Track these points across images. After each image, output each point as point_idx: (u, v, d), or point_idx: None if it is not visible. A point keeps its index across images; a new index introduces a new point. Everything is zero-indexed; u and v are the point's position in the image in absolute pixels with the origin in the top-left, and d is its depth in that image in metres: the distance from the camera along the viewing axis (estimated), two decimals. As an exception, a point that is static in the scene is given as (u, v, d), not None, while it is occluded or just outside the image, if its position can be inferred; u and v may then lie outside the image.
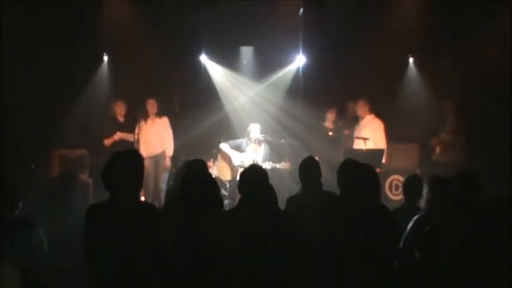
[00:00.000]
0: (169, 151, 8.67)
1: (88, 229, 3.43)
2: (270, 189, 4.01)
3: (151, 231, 3.36)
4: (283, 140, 8.48)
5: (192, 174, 3.46)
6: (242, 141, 8.50)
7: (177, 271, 2.99)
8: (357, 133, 8.62)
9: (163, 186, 8.55)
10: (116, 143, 8.36)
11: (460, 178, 4.00)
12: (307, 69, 9.89)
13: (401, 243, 3.95)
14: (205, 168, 4.94)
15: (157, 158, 8.60)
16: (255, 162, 8.15)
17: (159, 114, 8.70)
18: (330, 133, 8.85)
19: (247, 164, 7.88)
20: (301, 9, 9.45)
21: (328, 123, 8.91)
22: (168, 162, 8.63)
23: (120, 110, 8.64)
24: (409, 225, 4.00)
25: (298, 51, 9.89)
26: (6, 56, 8.26)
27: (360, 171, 4.08)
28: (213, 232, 2.91)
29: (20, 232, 3.94)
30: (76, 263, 4.58)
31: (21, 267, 3.61)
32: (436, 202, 4.15)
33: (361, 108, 8.67)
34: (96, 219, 3.41)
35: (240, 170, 8.03)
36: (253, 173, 4.12)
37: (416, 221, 4.02)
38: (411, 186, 4.80)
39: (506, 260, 2.71)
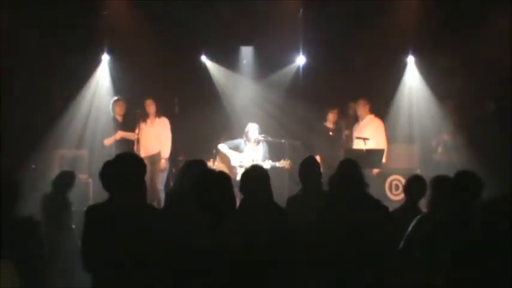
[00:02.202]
0: (165, 152, 8.64)
1: (87, 229, 3.43)
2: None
3: (151, 232, 3.35)
4: (283, 140, 8.47)
5: (208, 173, 3.45)
6: (240, 141, 8.49)
7: (178, 271, 2.97)
8: (357, 133, 8.62)
9: (160, 186, 8.54)
10: (116, 142, 8.36)
11: (461, 177, 3.99)
12: (307, 69, 9.88)
13: (403, 243, 3.95)
14: (205, 168, 4.93)
15: (154, 159, 8.58)
16: (254, 161, 8.16)
17: (159, 114, 8.70)
18: (330, 133, 8.84)
19: (246, 164, 7.88)
20: (301, 9, 9.44)
21: (329, 123, 8.89)
22: (163, 163, 8.60)
23: (119, 110, 8.63)
24: (411, 225, 4.00)
25: (298, 51, 9.90)
26: (6, 56, 8.26)
27: (352, 169, 4.09)
28: (218, 232, 2.90)
29: (22, 232, 3.93)
30: (75, 263, 4.59)
31: (23, 267, 3.61)
32: (439, 202, 4.14)
33: (362, 108, 8.67)
34: (95, 219, 3.40)
35: (239, 170, 8.06)
36: (255, 173, 4.14)
37: (418, 220, 4.02)
38: (413, 187, 4.78)
39: (507, 260, 2.70)
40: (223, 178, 3.09)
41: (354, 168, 4.14)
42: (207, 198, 2.95)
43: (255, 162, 8.16)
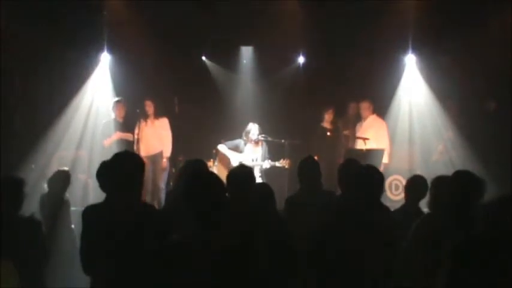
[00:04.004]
0: (167, 152, 8.67)
1: (84, 231, 3.42)
2: (263, 187, 4.01)
3: (150, 231, 3.34)
4: (283, 140, 8.48)
5: (197, 174, 3.46)
6: (240, 141, 8.51)
7: (177, 271, 2.97)
8: (359, 133, 8.62)
9: (162, 185, 8.57)
10: (116, 143, 8.37)
11: (460, 177, 3.98)
12: (307, 69, 9.88)
13: (405, 244, 3.94)
14: (205, 169, 4.93)
15: (155, 158, 8.61)
16: (254, 161, 8.18)
17: (158, 115, 8.70)
18: (328, 133, 8.84)
19: (246, 164, 7.88)
20: (301, 10, 9.42)
21: (326, 124, 8.89)
22: (165, 162, 8.64)
23: (120, 111, 8.63)
24: (414, 226, 3.99)
25: (298, 51, 9.89)
26: (6, 56, 8.26)
27: (362, 170, 4.08)
28: (207, 232, 2.90)
29: (24, 231, 3.93)
30: (74, 263, 4.58)
31: (24, 267, 3.61)
32: (440, 202, 4.14)
33: (366, 109, 8.68)
34: (93, 219, 3.39)
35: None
36: (238, 173, 4.16)
37: (420, 221, 4.01)
38: (413, 187, 4.78)
39: (508, 261, 2.70)
40: (211, 179, 3.08)
41: (356, 167, 4.14)
42: (195, 199, 2.95)
43: (255, 162, 8.20)
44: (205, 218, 2.90)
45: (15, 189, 4.03)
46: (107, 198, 3.45)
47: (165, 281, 2.87)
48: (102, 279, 3.34)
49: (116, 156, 3.53)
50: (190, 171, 4.23)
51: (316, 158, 5.27)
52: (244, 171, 4.29)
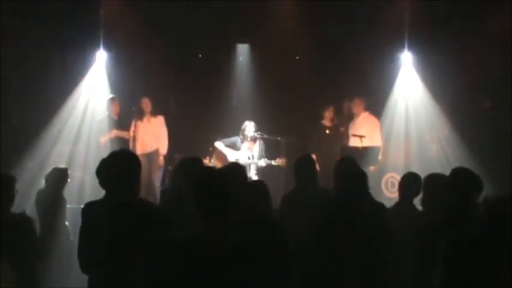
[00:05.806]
0: (163, 149, 8.69)
1: (84, 227, 3.41)
2: (258, 186, 4.00)
3: (148, 229, 3.34)
4: (279, 138, 8.48)
5: (203, 171, 3.45)
6: (237, 139, 8.51)
7: (176, 269, 2.96)
8: (352, 131, 8.62)
9: (157, 183, 8.56)
10: (111, 140, 8.38)
11: (458, 174, 3.98)
12: (304, 67, 9.86)
13: (402, 244, 3.95)
14: (203, 166, 4.92)
15: (151, 156, 8.61)
16: (251, 159, 8.18)
17: (155, 113, 8.71)
18: (327, 131, 8.84)
19: (242, 161, 7.88)
20: (298, 8, 9.41)
21: (326, 122, 8.89)
22: (161, 160, 8.66)
23: (114, 108, 8.64)
24: (409, 224, 4.00)
25: (294, 49, 9.87)
26: (3, 53, 8.25)
27: (357, 169, 4.10)
28: (213, 230, 2.90)
29: (17, 230, 3.92)
30: (67, 261, 4.58)
31: (18, 265, 3.60)
32: (432, 200, 4.15)
33: (358, 106, 8.68)
34: (91, 216, 3.39)
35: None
36: (231, 172, 4.15)
37: (415, 219, 4.02)
38: (407, 184, 4.79)
39: (506, 260, 2.71)
40: (219, 176, 3.07)
41: (355, 166, 4.15)
42: (202, 196, 2.94)
43: (251, 160, 8.20)
44: (211, 215, 2.89)
45: (5, 187, 4.00)
46: (106, 195, 3.44)
47: (166, 279, 2.86)
48: (100, 277, 3.33)
49: (114, 153, 3.54)
50: (193, 168, 4.21)
51: (314, 155, 5.28)
52: (237, 170, 4.27)
